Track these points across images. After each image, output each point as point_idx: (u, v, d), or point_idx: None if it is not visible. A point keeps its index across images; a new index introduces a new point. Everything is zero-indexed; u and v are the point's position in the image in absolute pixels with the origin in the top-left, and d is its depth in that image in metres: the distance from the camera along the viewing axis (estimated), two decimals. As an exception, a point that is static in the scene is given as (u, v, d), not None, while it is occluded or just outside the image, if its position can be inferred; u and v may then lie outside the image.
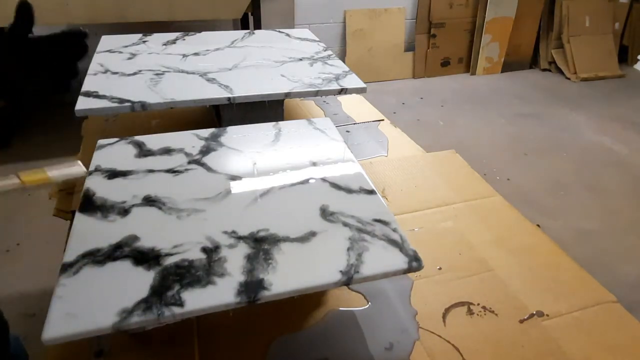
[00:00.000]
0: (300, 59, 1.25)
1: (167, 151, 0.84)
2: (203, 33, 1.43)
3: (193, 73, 1.13)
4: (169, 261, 0.59)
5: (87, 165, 0.80)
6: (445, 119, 3.17)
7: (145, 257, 0.60)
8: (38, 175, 0.46)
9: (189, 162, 0.81)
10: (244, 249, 0.62)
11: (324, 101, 1.44)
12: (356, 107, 1.42)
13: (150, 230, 0.65)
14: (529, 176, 2.52)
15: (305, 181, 0.77)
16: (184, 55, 1.24)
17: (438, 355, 0.67)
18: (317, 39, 1.43)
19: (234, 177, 0.78)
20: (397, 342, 0.69)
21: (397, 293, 0.77)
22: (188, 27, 1.81)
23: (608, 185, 2.45)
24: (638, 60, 4.18)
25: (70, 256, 0.60)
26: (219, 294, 0.55)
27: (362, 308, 0.74)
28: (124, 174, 0.77)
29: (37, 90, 0.54)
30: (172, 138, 0.88)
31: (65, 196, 1.04)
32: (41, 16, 2.30)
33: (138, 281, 0.56)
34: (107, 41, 1.33)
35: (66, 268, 0.58)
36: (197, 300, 0.54)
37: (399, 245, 0.64)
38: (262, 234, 0.65)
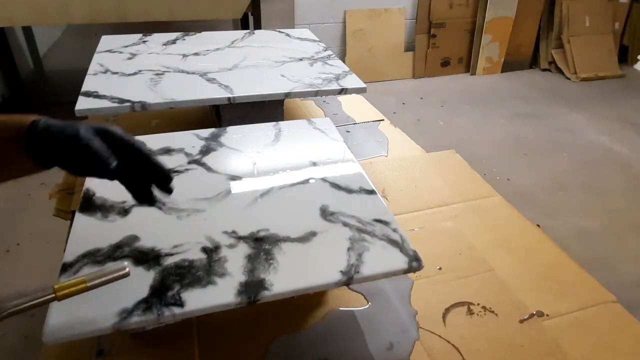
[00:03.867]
0: (300, 59, 1.25)
1: (167, 151, 0.84)
2: (203, 33, 1.43)
3: (193, 73, 1.13)
4: (169, 261, 0.59)
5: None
6: (445, 119, 3.17)
7: (145, 257, 0.60)
8: (77, 286, 0.45)
9: (189, 162, 0.81)
10: (244, 249, 0.62)
11: (324, 101, 1.44)
12: (356, 107, 1.42)
13: (150, 230, 0.65)
14: (529, 176, 2.52)
15: (305, 181, 0.77)
16: (184, 55, 1.24)
17: (438, 355, 0.67)
18: (317, 39, 1.43)
19: (234, 177, 0.78)
20: (397, 342, 0.69)
21: (397, 293, 0.77)
22: (188, 27, 1.81)
23: (608, 185, 2.45)
24: (638, 60, 4.18)
25: (70, 256, 0.60)
26: (219, 294, 0.55)
27: (362, 308, 0.74)
28: (124, 174, 0.77)
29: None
30: (172, 138, 0.88)
31: (65, 196, 1.04)
32: (41, 16, 2.31)
33: (138, 281, 0.56)
34: (107, 41, 1.33)
35: (66, 268, 0.58)
36: (197, 300, 0.54)
37: (399, 245, 0.64)
38: (262, 234, 0.65)
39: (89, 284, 0.45)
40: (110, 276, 0.46)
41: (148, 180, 0.57)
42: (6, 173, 0.52)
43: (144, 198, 0.58)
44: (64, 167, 0.51)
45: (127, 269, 0.46)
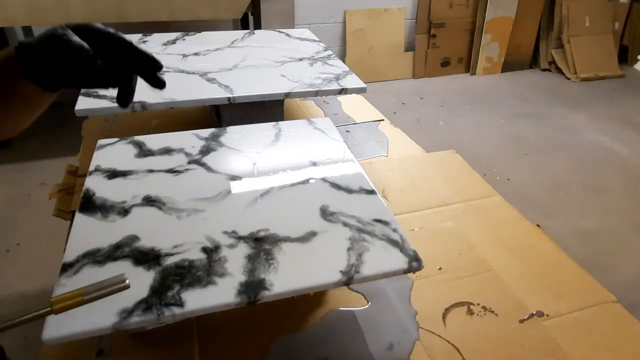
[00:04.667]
0: (300, 59, 1.25)
1: (167, 151, 0.84)
2: (203, 33, 1.43)
3: (193, 73, 1.13)
4: (169, 261, 0.59)
5: (87, 164, 0.80)
6: (445, 119, 3.17)
7: (145, 257, 0.60)
8: (73, 299, 0.45)
9: (189, 162, 0.81)
10: (244, 249, 0.62)
11: (324, 101, 1.44)
12: (356, 107, 1.42)
13: (150, 230, 0.65)
14: (529, 176, 2.52)
15: (305, 181, 0.77)
16: (184, 55, 1.24)
17: (438, 355, 0.67)
18: (317, 39, 1.43)
19: (234, 177, 0.78)
20: (397, 342, 0.69)
21: (397, 293, 0.77)
22: (188, 27, 1.81)
23: (608, 185, 2.46)
24: (638, 60, 4.18)
25: (70, 256, 0.60)
26: (219, 294, 0.55)
27: (362, 308, 0.74)
28: (124, 174, 0.77)
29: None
30: (172, 138, 0.88)
31: (65, 196, 1.04)
32: (41, 16, 2.30)
33: (138, 281, 0.56)
34: (107, 41, 1.33)
35: (66, 268, 0.58)
36: (197, 300, 0.54)
37: (399, 245, 0.64)
38: (262, 234, 0.65)
39: (86, 297, 0.45)
40: (109, 289, 0.46)
41: (139, 72, 0.56)
42: (28, 110, 0.53)
43: (125, 95, 0.56)
44: (64, 81, 0.50)
45: (126, 281, 0.46)
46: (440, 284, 0.79)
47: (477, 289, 0.78)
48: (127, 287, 0.46)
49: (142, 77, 0.57)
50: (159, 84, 0.57)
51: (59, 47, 0.48)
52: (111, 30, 0.53)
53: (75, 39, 0.48)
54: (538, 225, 0.96)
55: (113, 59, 0.53)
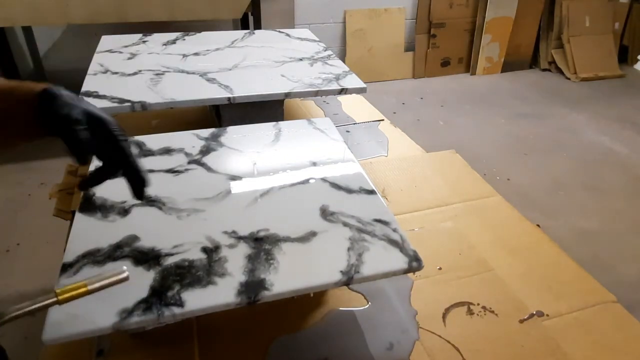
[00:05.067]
0: (300, 59, 1.25)
1: (167, 151, 0.84)
2: (203, 33, 1.43)
3: (193, 73, 1.13)
4: (169, 261, 0.59)
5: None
6: (445, 119, 3.17)
7: (145, 257, 0.60)
8: (78, 290, 0.46)
9: (189, 162, 0.81)
10: (244, 249, 0.62)
11: (324, 101, 1.44)
12: (356, 107, 1.42)
13: (150, 230, 0.65)
14: (529, 176, 2.52)
15: (305, 181, 0.77)
16: (184, 55, 1.24)
17: (438, 355, 0.67)
18: (317, 39, 1.43)
19: (234, 177, 0.78)
20: (397, 342, 0.69)
21: (397, 293, 0.77)
22: (188, 27, 1.81)
23: (608, 185, 2.45)
24: (638, 60, 4.18)
25: (70, 256, 0.60)
26: (219, 294, 0.55)
27: (362, 308, 0.74)
28: (124, 174, 0.77)
29: None
30: (172, 138, 0.88)
31: (65, 196, 1.04)
32: (41, 16, 2.29)
33: (138, 281, 0.56)
34: (107, 41, 1.33)
35: (66, 268, 0.58)
36: (197, 300, 0.54)
37: (399, 245, 0.64)
38: (262, 234, 0.65)
39: (89, 288, 0.45)
40: (110, 280, 0.46)
41: (126, 177, 0.57)
42: (16, 135, 0.53)
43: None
44: (64, 139, 0.51)
45: (126, 273, 0.46)
46: (440, 284, 0.79)
47: (477, 289, 0.78)
48: (126, 278, 0.46)
49: (128, 182, 0.56)
50: (140, 196, 0.57)
51: (68, 135, 0.49)
52: (122, 139, 0.54)
53: (85, 139, 0.50)
54: (538, 225, 0.96)
55: (108, 160, 0.55)
